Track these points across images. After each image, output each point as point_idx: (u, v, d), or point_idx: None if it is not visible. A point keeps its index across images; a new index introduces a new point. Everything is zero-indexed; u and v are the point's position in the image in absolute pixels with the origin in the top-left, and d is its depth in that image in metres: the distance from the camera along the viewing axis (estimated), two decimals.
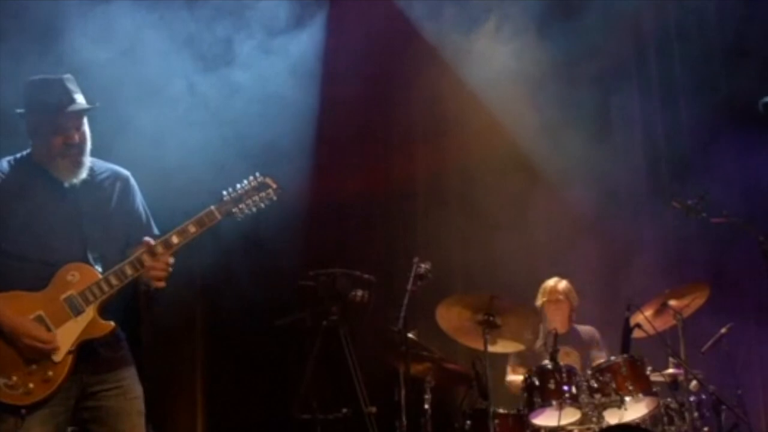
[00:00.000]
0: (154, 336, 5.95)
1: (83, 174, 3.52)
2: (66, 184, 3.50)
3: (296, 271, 5.70)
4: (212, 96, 5.72)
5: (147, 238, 3.42)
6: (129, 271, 3.41)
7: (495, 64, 6.59)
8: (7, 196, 3.42)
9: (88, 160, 3.52)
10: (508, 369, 5.95)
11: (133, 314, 3.74)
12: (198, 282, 6.33)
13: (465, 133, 6.81)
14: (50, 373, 3.32)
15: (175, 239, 3.45)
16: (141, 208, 3.69)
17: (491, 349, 5.38)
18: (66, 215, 3.47)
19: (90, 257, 3.45)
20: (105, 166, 3.65)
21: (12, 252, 3.39)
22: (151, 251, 3.41)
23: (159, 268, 3.41)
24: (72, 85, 3.49)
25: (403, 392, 5.17)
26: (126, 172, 3.70)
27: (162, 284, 3.45)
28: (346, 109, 6.52)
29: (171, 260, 3.43)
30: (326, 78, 6.49)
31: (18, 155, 3.56)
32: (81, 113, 3.47)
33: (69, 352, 3.34)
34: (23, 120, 3.49)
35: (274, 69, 5.90)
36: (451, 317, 5.48)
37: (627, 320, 5.32)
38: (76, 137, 3.46)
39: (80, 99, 3.49)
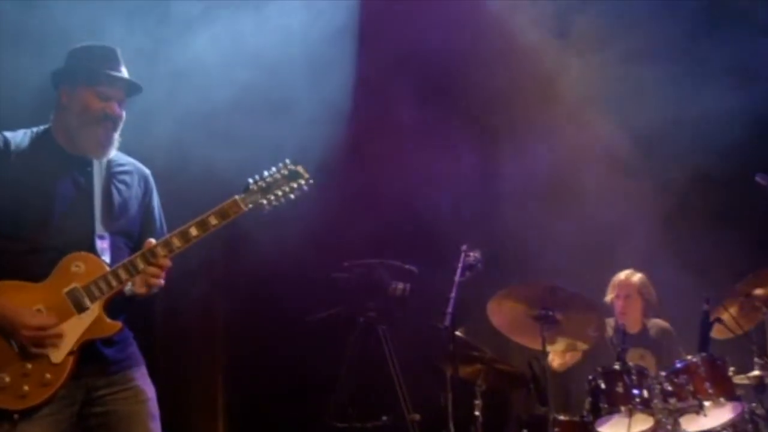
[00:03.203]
0: (168, 334, 6.08)
1: (110, 152, 3.58)
2: (87, 166, 3.55)
3: (329, 263, 5.73)
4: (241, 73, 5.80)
5: (150, 240, 3.47)
6: (141, 264, 3.43)
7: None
8: (19, 172, 3.45)
9: (117, 141, 3.59)
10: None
11: (144, 309, 3.67)
12: (217, 273, 6.37)
13: (521, 109, 6.88)
14: (48, 375, 3.31)
15: (194, 231, 3.46)
16: (157, 210, 3.75)
17: (550, 348, 5.38)
18: (78, 198, 3.51)
19: (98, 247, 3.46)
20: (126, 158, 3.73)
21: (11, 234, 3.40)
22: (167, 248, 3.44)
23: (152, 273, 3.43)
24: (121, 58, 3.62)
25: (450, 397, 5.17)
26: (147, 170, 3.78)
27: (143, 290, 3.46)
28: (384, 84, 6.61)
29: (167, 263, 3.45)
30: (365, 53, 6.58)
31: (35, 129, 3.62)
32: (130, 85, 3.58)
33: (70, 353, 3.34)
34: (57, 84, 3.57)
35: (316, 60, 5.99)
36: (504, 312, 5.47)
37: (705, 314, 5.27)
38: (117, 109, 3.54)
39: (126, 74, 3.61)
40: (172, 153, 5.15)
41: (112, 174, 3.63)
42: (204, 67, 5.56)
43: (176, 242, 3.46)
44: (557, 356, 5.89)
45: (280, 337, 6.41)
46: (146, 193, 3.73)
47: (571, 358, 5.91)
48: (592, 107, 6.82)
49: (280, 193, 3.56)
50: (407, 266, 5.47)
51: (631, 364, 5.24)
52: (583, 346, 5.62)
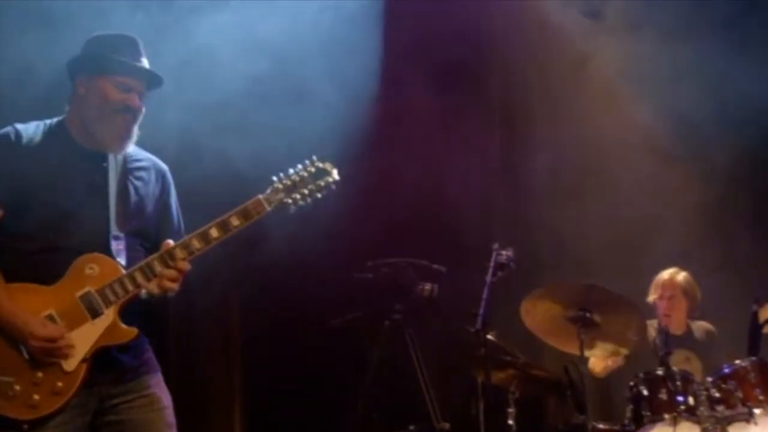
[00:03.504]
0: (182, 337, 6.12)
1: (128, 147, 3.56)
2: (102, 161, 3.51)
3: (351, 262, 5.69)
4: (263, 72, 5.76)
5: (168, 241, 3.44)
6: (158, 267, 3.39)
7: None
8: (31, 167, 3.42)
9: (136, 135, 3.57)
10: None
11: (157, 311, 3.63)
12: (233, 273, 6.31)
13: (550, 94, 6.83)
14: (60, 384, 3.29)
15: (215, 232, 3.42)
16: (174, 209, 3.73)
17: (588, 353, 5.29)
18: (92, 196, 3.47)
19: (113, 248, 3.43)
20: (143, 153, 3.69)
21: (25, 232, 3.37)
22: (186, 250, 3.41)
23: (170, 277, 3.40)
24: (142, 49, 3.60)
25: (481, 405, 5.15)
26: (165, 166, 3.75)
27: (160, 294, 3.43)
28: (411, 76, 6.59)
29: (186, 266, 3.42)
30: (385, 37, 6.55)
31: (47, 121, 3.59)
32: (151, 77, 3.57)
33: (83, 361, 3.31)
34: (73, 74, 3.55)
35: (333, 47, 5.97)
36: (538, 314, 5.38)
37: (755, 315, 5.16)
38: (137, 101, 3.52)
39: (147, 65, 3.60)
40: (183, 144, 5.11)
41: (128, 170, 3.60)
42: (215, 55, 5.53)
43: (196, 244, 3.42)
44: (599, 361, 5.79)
45: (300, 341, 6.39)
46: (164, 190, 3.70)
47: (613, 363, 5.82)
48: (627, 90, 6.72)
49: (306, 191, 3.51)
50: (435, 265, 5.41)
51: (675, 369, 5.12)
52: (622, 350, 5.52)
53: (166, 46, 4.81)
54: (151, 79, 3.60)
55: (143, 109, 3.56)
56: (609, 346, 5.46)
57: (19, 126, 3.51)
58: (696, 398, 4.99)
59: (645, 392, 5.07)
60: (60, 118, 3.59)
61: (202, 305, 5.89)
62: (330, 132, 5.56)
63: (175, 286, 3.41)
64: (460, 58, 6.81)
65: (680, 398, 5.00)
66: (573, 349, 5.29)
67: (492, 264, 5.12)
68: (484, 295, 4.99)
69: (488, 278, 5.07)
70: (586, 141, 6.79)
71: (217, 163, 5.43)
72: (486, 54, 6.94)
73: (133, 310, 3.44)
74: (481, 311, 4.95)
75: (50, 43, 4.68)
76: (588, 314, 5.23)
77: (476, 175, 6.82)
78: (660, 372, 5.10)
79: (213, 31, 5.42)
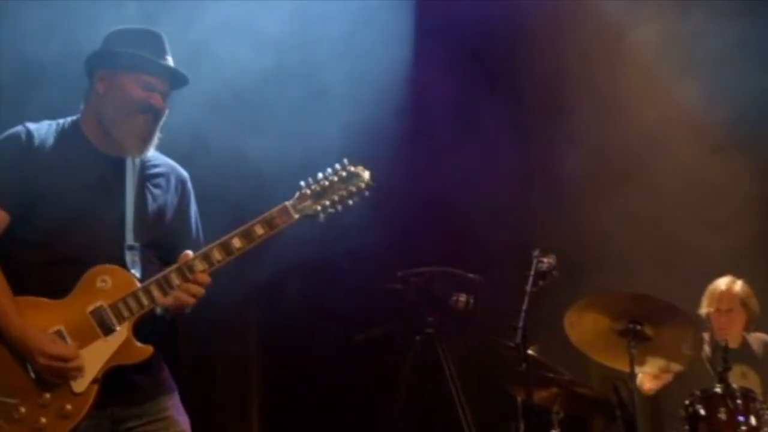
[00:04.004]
0: (196, 359, 6.05)
1: (148, 151, 3.53)
2: (119, 166, 3.49)
3: (378, 272, 5.68)
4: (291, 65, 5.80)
5: (187, 252, 3.41)
6: (176, 280, 3.36)
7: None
8: (42, 171, 3.39)
9: (156, 138, 3.55)
10: None
11: (168, 326, 3.62)
12: (249, 286, 6.18)
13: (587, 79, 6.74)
14: (68, 406, 3.26)
15: (237, 242, 3.38)
16: (194, 219, 3.71)
17: (639, 369, 5.21)
18: (107, 203, 3.45)
19: (128, 259, 3.40)
20: (162, 158, 3.68)
21: (32, 241, 3.35)
22: (206, 262, 3.37)
23: (189, 291, 3.37)
24: (167, 45, 3.59)
25: (522, 426, 5.14)
26: (185, 173, 3.73)
27: (177, 309, 3.41)
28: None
29: (207, 279, 3.39)
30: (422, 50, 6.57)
31: (61, 120, 3.57)
32: (176, 76, 3.56)
33: (94, 381, 3.28)
34: (91, 70, 3.53)
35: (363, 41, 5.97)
36: (583, 326, 5.29)
37: None
38: (160, 101, 3.50)
39: (172, 63, 3.58)
40: (193, 141, 5.10)
41: (146, 176, 3.58)
42: (233, 46, 5.51)
43: (217, 255, 3.38)
44: (648, 378, 5.70)
45: (323, 360, 6.37)
46: (183, 199, 3.67)
47: (663, 380, 5.74)
48: (670, 74, 6.58)
49: (336, 198, 3.47)
50: (470, 274, 5.33)
51: (735, 386, 5.03)
52: (675, 366, 5.41)
53: (179, 37, 4.76)
54: (176, 79, 3.57)
55: (166, 111, 3.53)
56: (661, 362, 5.37)
57: (31, 125, 3.48)
58: (759, 418, 4.94)
59: (702, 412, 4.99)
60: (74, 117, 3.56)
61: (216, 321, 5.75)
62: (354, 130, 5.54)
63: (193, 300, 3.38)
64: (490, 50, 6.78)
65: (741, 418, 4.93)
66: (622, 365, 5.19)
67: (532, 272, 5.01)
68: (524, 307, 4.87)
69: (528, 288, 4.95)
70: (627, 133, 6.67)
71: (233, 163, 5.44)
72: (517, 43, 6.87)
73: (147, 327, 3.39)
74: (521, 324, 4.83)
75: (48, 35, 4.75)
76: (638, 327, 5.12)
77: (512, 175, 6.76)
78: (718, 389, 5.01)
79: (232, 22, 5.43)
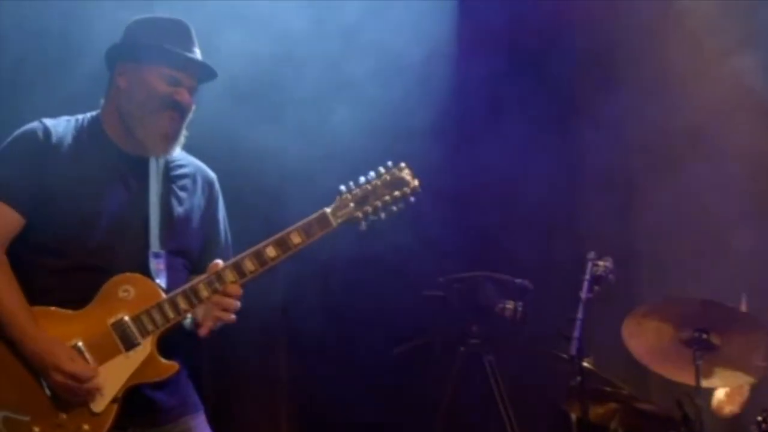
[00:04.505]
0: (219, 374, 6.04)
1: (173, 150, 3.54)
2: (142, 166, 3.50)
3: (420, 278, 5.63)
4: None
5: (217, 261, 3.42)
6: (205, 292, 3.37)
7: None
8: (61, 171, 3.39)
9: (183, 138, 3.56)
10: None
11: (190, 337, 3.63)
12: (278, 293, 6.20)
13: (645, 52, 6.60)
14: (86, 427, 3.28)
15: (271, 251, 3.38)
16: (222, 224, 3.74)
17: (706, 383, 5.02)
18: (130, 206, 3.47)
19: (152, 267, 3.40)
20: (187, 158, 3.70)
21: (48, 247, 3.35)
22: (237, 272, 3.37)
23: (219, 304, 3.37)
24: (195, 37, 3.59)
25: None
26: (212, 174, 3.76)
27: (207, 324, 3.42)
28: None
29: (238, 291, 3.41)
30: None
31: (80, 117, 3.58)
32: (204, 70, 3.56)
33: (114, 400, 3.29)
34: (112, 63, 3.54)
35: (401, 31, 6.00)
36: (644, 336, 5.14)
37: None
38: (187, 97, 3.50)
39: (200, 56, 3.59)
40: (217, 135, 5.07)
41: (170, 177, 3.59)
42: (254, 34, 5.49)
43: (249, 265, 3.39)
44: (728, 401, 5.50)
45: (359, 374, 6.25)
46: (210, 202, 3.70)
47: (742, 398, 5.53)
48: (737, 48, 6.37)
49: (379, 204, 3.46)
50: (518, 280, 5.25)
51: None
52: (747, 379, 5.24)
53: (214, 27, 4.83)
54: (204, 73, 3.57)
55: (193, 107, 3.52)
56: (729, 374, 5.19)
57: (48, 122, 3.47)
58: None
59: None
60: (94, 113, 3.56)
61: (241, 332, 5.73)
62: (396, 126, 5.57)
63: (228, 316, 3.39)
64: (527, 32, 6.67)
65: None
66: (686, 378, 5.03)
67: (587, 277, 4.89)
68: (579, 315, 4.74)
69: (583, 294, 4.83)
70: (681, 113, 6.46)
71: (270, 162, 5.50)
72: (555, 25, 6.75)
73: (170, 340, 3.40)
74: (576, 334, 4.69)
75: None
76: (705, 335, 4.97)
77: (562, 170, 6.67)
78: None
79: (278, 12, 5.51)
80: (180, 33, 3.54)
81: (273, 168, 5.72)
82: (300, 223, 3.40)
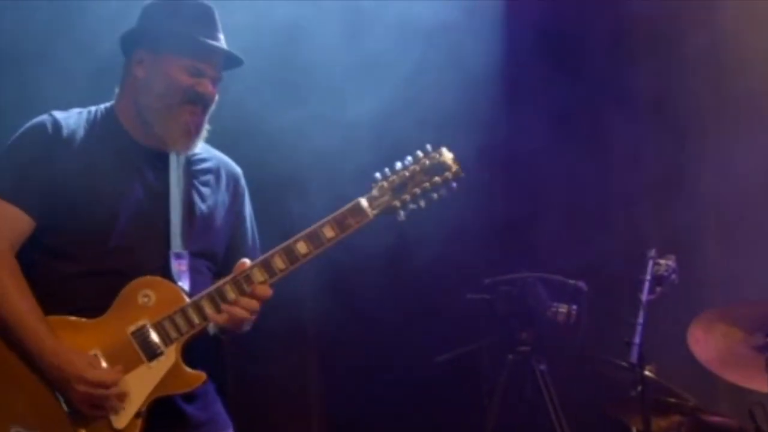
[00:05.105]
0: (244, 385, 5.99)
1: (195, 146, 3.52)
2: (161, 162, 3.48)
3: (463, 279, 5.65)
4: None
5: (244, 260, 3.39)
6: (232, 294, 3.33)
7: None
8: (73, 168, 3.37)
9: (205, 132, 3.54)
10: None
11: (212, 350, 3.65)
12: (309, 296, 6.15)
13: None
14: None
15: (303, 248, 3.32)
16: (249, 222, 3.73)
17: None
18: (149, 205, 3.45)
19: (174, 268, 3.37)
20: (210, 151, 3.68)
21: (62, 251, 3.34)
22: (267, 271, 3.33)
23: (247, 307, 3.34)
24: (219, 21, 3.55)
25: None
26: (238, 169, 3.75)
27: (233, 329, 3.41)
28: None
29: (267, 292, 3.37)
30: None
31: (93, 108, 3.56)
32: (229, 58, 3.53)
33: (137, 415, 3.26)
34: (128, 50, 3.52)
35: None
36: (712, 341, 5.07)
37: None
38: (210, 88, 3.46)
39: (224, 43, 3.56)
40: (236, 118, 5.02)
41: (192, 172, 3.56)
42: (318, 31, 5.58)
43: (279, 263, 3.34)
44: None
45: (398, 385, 6.21)
46: (236, 199, 3.67)
47: None
48: None
49: (418, 191, 3.37)
50: (572, 281, 5.24)
51: None
52: None
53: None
54: (229, 61, 3.53)
55: (216, 99, 3.49)
56: None
57: (58, 114, 3.44)
58: None
59: None
60: (108, 104, 3.54)
61: (268, 334, 5.69)
62: (442, 117, 5.53)
63: (251, 318, 3.36)
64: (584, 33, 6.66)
65: None
66: (759, 386, 4.96)
67: (648, 277, 4.79)
68: (640, 319, 4.64)
69: (644, 296, 4.73)
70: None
71: (308, 157, 5.52)
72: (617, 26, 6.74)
73: (197, 349, 3.38)
74: (637, 339, 4.59)
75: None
76: None
77: (620, 163, 6.63)
78: None
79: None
80: (204, 18, 3.50)
81: (292, 154, 5.72)
82: (332, 216, 3.35)
